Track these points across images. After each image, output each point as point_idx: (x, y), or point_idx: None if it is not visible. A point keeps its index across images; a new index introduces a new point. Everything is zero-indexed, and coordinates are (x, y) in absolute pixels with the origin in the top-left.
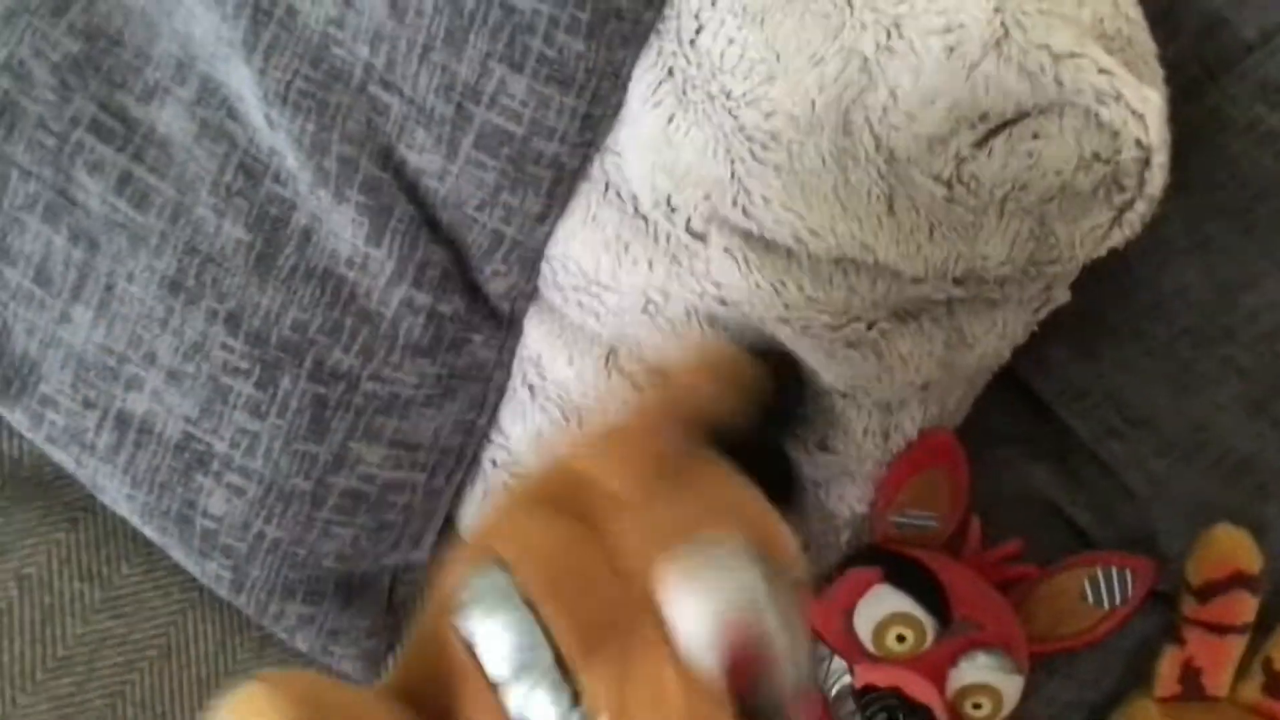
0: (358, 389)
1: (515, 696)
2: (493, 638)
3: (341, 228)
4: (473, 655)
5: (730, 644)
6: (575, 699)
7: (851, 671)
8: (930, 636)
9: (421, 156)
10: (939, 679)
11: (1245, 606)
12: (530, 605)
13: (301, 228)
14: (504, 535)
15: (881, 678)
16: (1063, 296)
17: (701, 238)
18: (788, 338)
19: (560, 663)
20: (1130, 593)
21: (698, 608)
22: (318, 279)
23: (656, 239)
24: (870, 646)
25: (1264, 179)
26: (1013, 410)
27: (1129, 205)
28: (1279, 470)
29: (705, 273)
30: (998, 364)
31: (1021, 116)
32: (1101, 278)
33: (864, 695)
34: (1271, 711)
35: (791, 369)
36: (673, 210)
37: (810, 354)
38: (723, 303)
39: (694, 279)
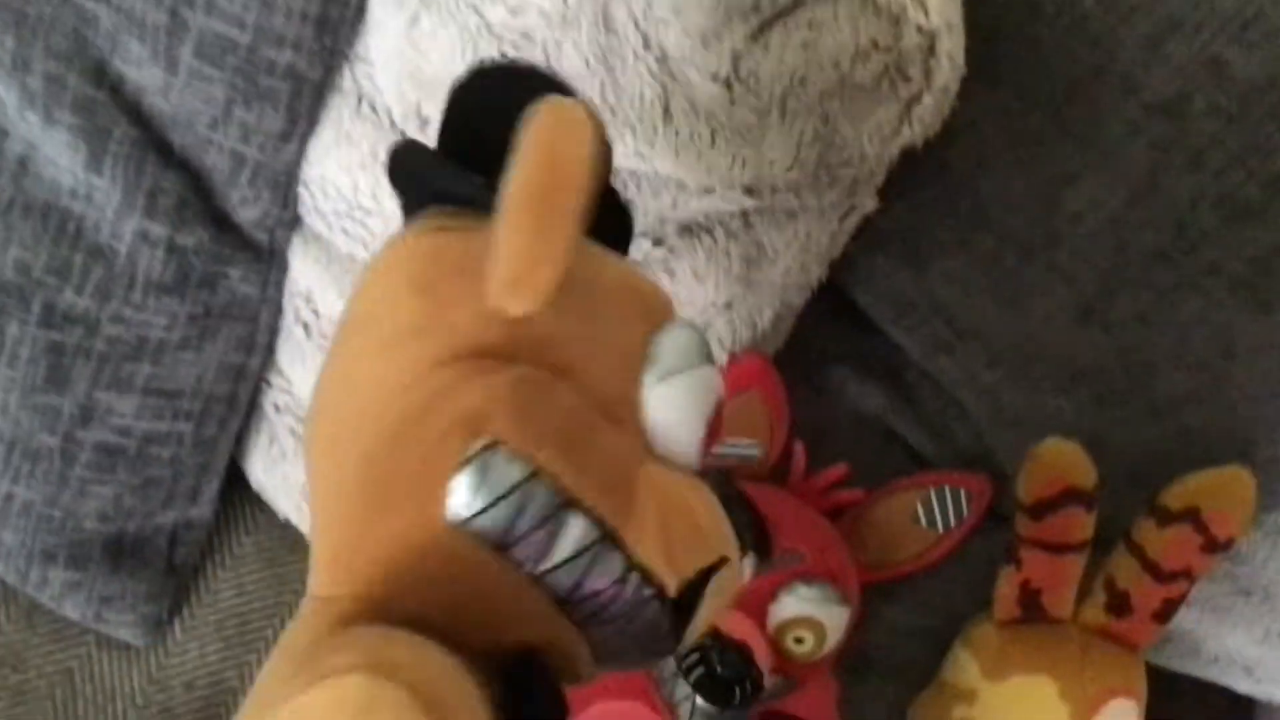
0: (98, 333)
1: (564, 572)
2: (525, 524)
3: (57, 154)
4: (497, 550)
5: (711, 430)
6: (620, 548)
7: None
8: (748, 572)
9: (140, 71)
10: (758, 614)
11: (1080, 523)
12: (541, 474)
13: (16, 156)
14: (484, 405)
15: None
16: (869, 204)
17: None
18: None
19: (598, 522)
20: (965, 513)
21: (688, 416)
22: (38, 213)
23: None
24: None
25: (1077, 70)
26: (840, 330)
27: (917, 99)
28: (1114, 378)
29: None
30: (811, 280)
31: (796, 5)
32: (923, 185)
33: None
34: (1116, 632)
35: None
36: (424, 123)
37: None
38: None
39: None
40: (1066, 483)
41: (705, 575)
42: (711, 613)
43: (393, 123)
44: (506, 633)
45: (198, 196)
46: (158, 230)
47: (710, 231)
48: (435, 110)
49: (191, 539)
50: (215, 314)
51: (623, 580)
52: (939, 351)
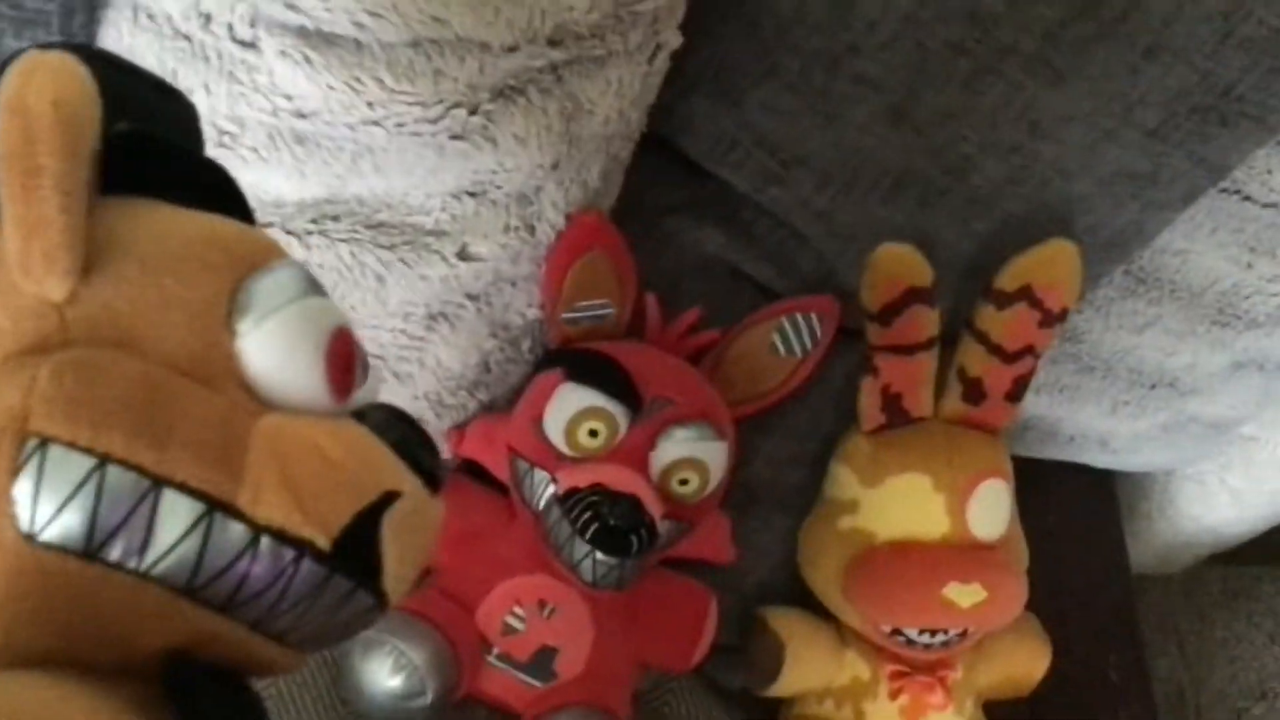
0: None
1: (175, 558)
2: (110, 518)
3: None
4: (90, 556)
5: (333, 361)
6: (238, 516)
7: (554, 480)
8: (624, 425)
9: None
10: (640, 464)
11: (925, 321)
12: (112, 459)
13: None
14: (24, 402)
15: (582, 478)
16: (673, 39)
17: (253, 45)
18: (385, 141)
19: (200, 494)
20: (819, 335)
21: (292, 356)
22: None
23: (206, 58)
24: (565, 449)
25: None
26: (670, 178)
27: None
28: (933, 177)
29: (271, 86)
30: (632, 130)
31: None
32: (724, 17)
33: (567, 499)
34: (975, 419)
35: None
36: (207, 20)
37: (419, 160)
38: (302, 115)
39: (261, 96)
40: (906, 284)
41: (371, 518)
42: (410, 555)
43: (175, 29)
44: (138, 642)
45: None
46: None
47: (523, 92)
48: (215, 5)
49: None
50: None
51: (252, 549)
52: (768, 183)
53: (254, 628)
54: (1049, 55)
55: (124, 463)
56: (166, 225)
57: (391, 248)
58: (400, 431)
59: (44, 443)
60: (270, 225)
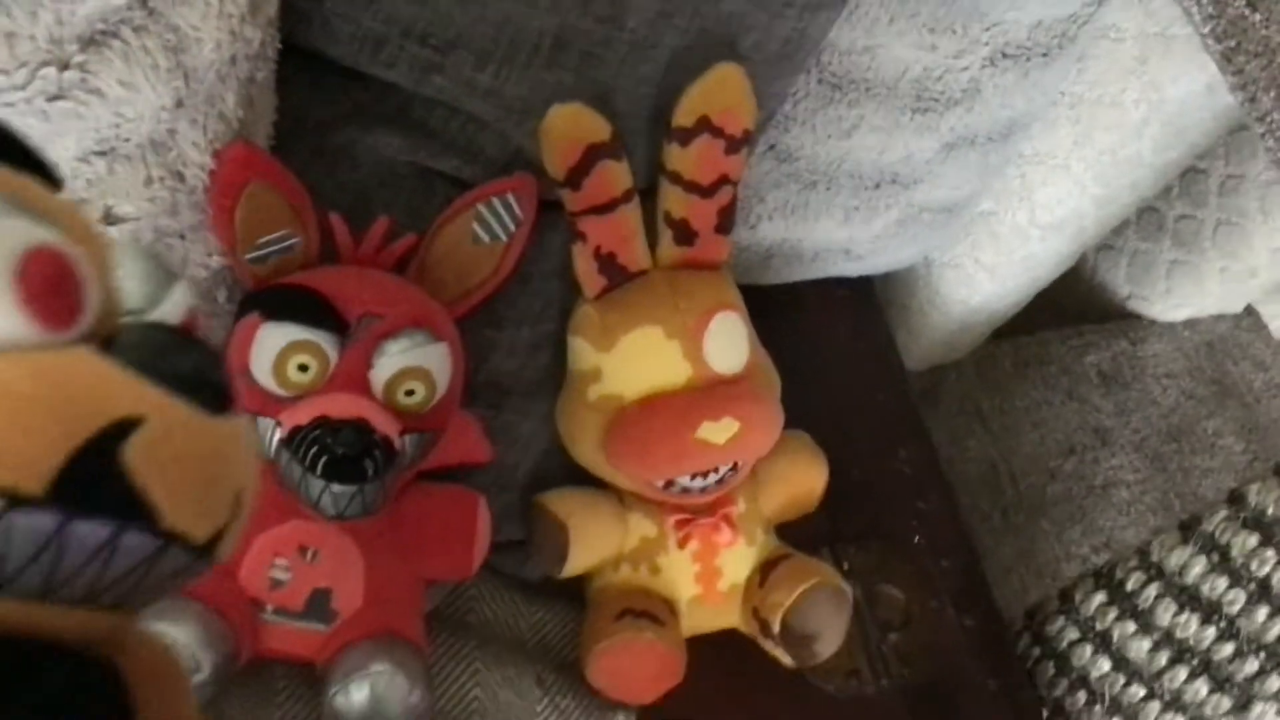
0: None
1: None
2: None
3: None
4: None
5: (27, 285)
6: None
7: (279, 424)
8: (333, 353)
9: None
10: (360, 387)
11: (616, 175)
12: None
13: None
14: None
15: (303, 414)
16: None
17: None
18: None
19: None
20: (519, 215)
21: None
22: None
23: None
24: (280, 391)
25: None
26: (327, 90)
27: None
28: (590, 30)
29: None
30: (255, 48)
31: None
32: None
33: (293, 439)
34: (692, 259)
35: None
36: None
37: (28, 131)
38: None
39: None
40: (585, 143)
41: (104, 452)
42: (186, 482)
43: None
44: None
45: None
46: None
47: (116, 35)
48: None
49: None
50: None
51: None
52: (428, 73)
53: (32, 597)
54: None
55: None
56: None
57: None
58: (159, 349)
59: None
60: None
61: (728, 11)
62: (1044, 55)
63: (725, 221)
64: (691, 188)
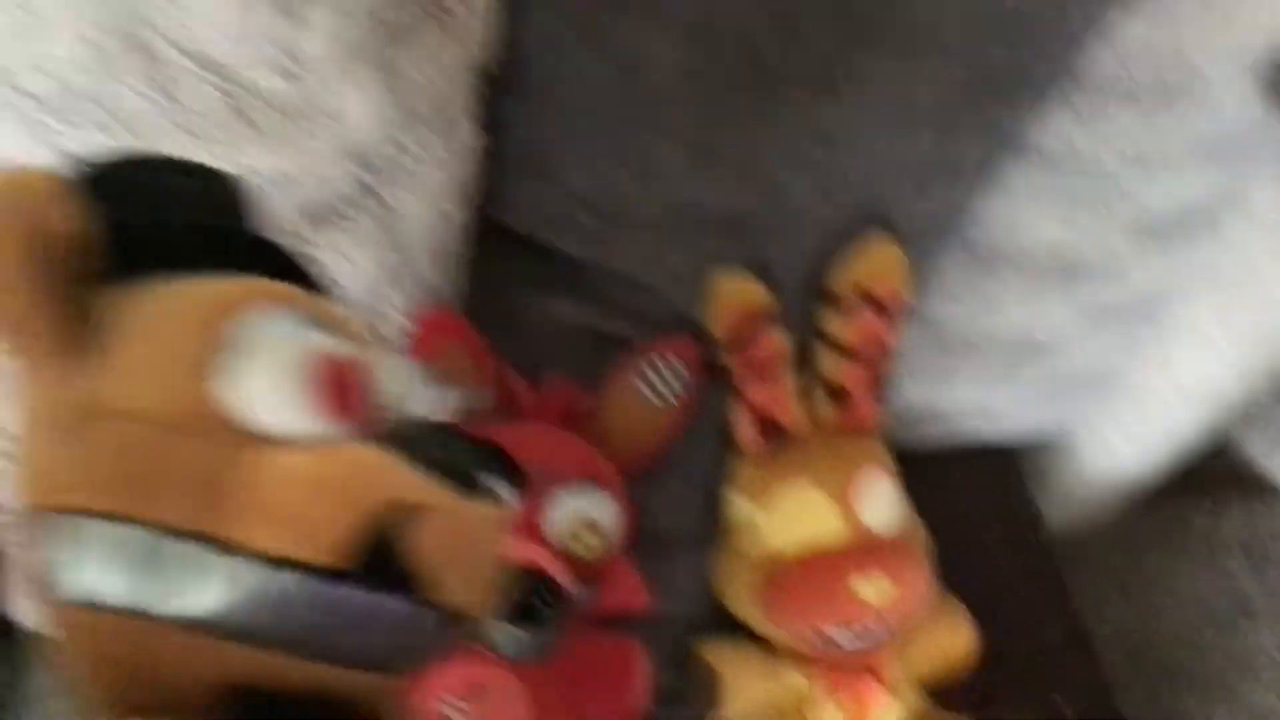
0: None
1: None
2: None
3: None
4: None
5: (320, 390)
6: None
7: None
8: (513, 503)
9: None
10: (534, 535)
11: (776, 340)
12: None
13: None
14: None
15: None
16: (469, 137)
17: None
18: None
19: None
20: (684, 375)
21: (263, 391)
22: None
23: None
24: None
25: None
26: (509, 256)
27: (463, 23)
28: (751, 206)
29: None
30: (455, 223)
31: None
32: (525, 99)
33: None
34: (846, 422)
35: None
36: None
37: None
38: None
39: None
40: (748, 309)
41: (388, 532)
42: (458, 563)
43: None
44: (195, 682)
45: None
46: None
47: (339, 212)
48: None
49: None
50: None
51: (261, 576)
52: (600, 244)
53: (317, 658)
54: (826, 76)
55: (118, 519)
56: (157, 300)
57: None
58: (438, 444)
59: (70, 513)
60: None
61: (881, 190)
62: (1185, 232)
63: (878, 386)
64: (846, 353)
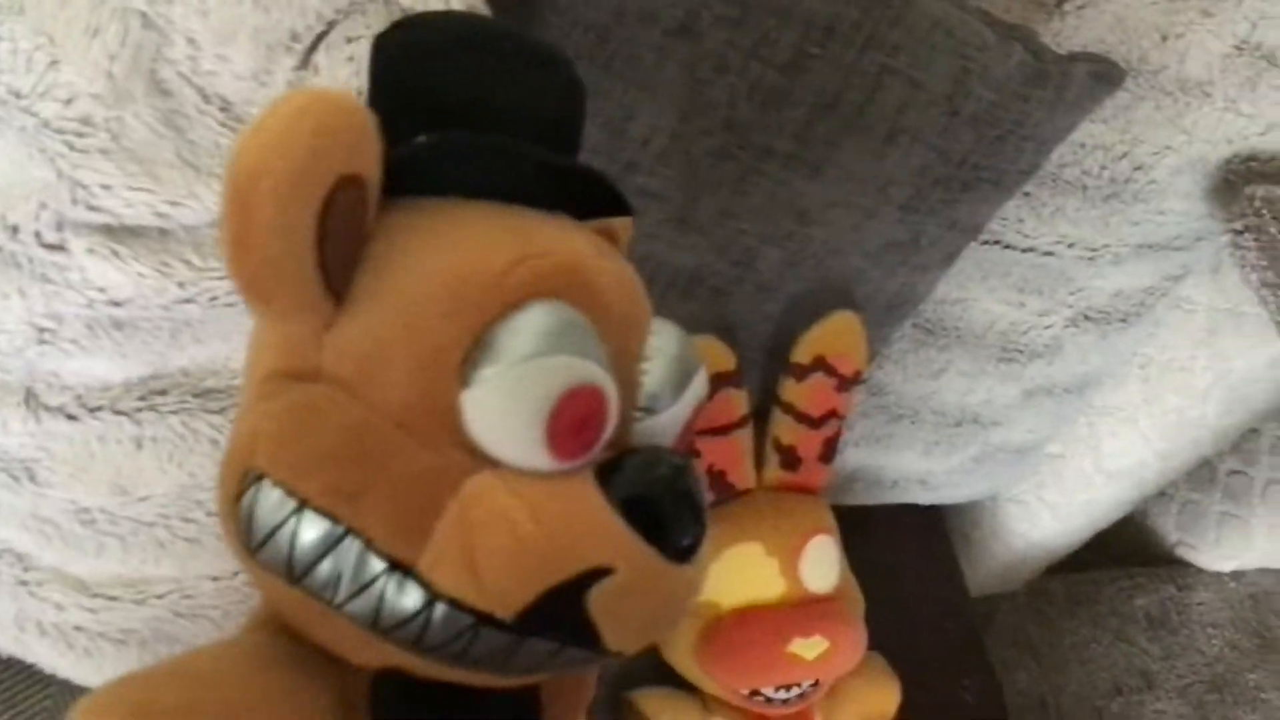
0: None
1: (360, 603)
2: (303, 557)
3: None
4: (293, 581)
5: (558, 425)
6: (416, 578)
7: None
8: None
9: None
10: None
11: (735, 402)
12: (310, 505)
13: None
14: (253, 433)
15: None
16: None
17: (61, 248)
18: (200, 315)
19: (384, 553)
20: None
21: (505, 417)
22: None
23: (18, 265)
24: None
25: (602, 16)
26: None
27: None
28: (722, 271)
29: (84, 281)
30: None
31: (330, 26)
32: None
33: None
34: (795, 483)
35: None
36: (15, 230)
37: (235, 327)
38: (117, 304)
39: (75, 292)
40: (713, 371)
41: (572, 592)
42: (633, 625)
43: None
44: (348, 655)
45: None
46: None
47: None
48: (21, 216)
49: None
50: None
51: (427, 611)
52: None
53: (454, 664)
54: (803, 152)
55: (320, 510)
56: (410, 262)
57: (222, 411)
58: (649, 488)
59: (259, 477)
60: (100, 408)
61: (848, 266)
62: (1122, 320)
63: (828, 451)
64: (802, 419)
